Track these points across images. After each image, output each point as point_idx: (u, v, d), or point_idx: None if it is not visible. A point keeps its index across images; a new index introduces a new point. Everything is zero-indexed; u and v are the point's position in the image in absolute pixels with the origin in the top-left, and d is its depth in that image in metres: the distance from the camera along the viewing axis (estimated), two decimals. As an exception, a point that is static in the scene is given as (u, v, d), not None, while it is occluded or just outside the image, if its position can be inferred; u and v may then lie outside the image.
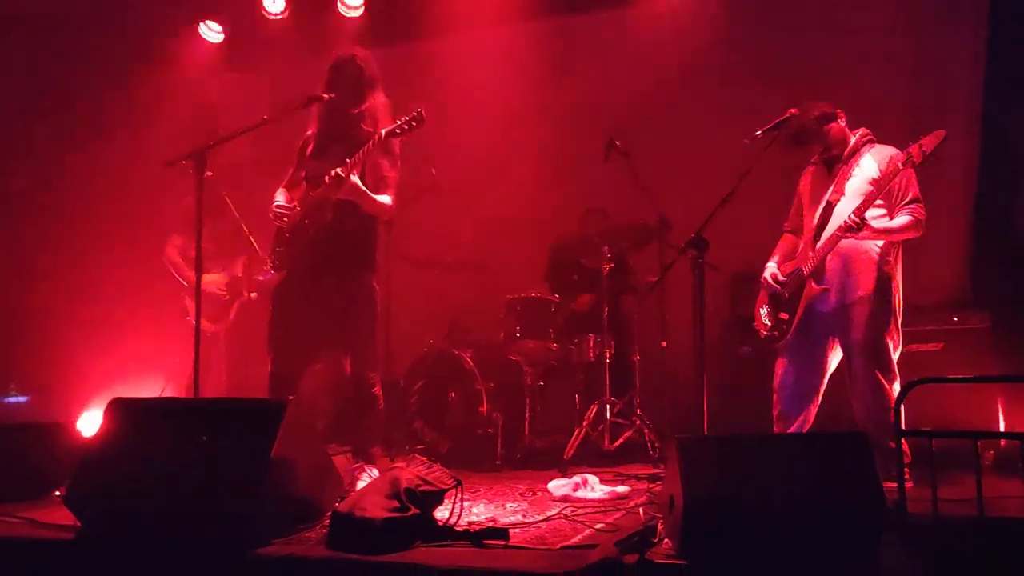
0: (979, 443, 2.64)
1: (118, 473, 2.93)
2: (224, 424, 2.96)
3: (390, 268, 5.06)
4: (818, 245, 3.83)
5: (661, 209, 4.75)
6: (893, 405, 3.23)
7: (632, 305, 5.49)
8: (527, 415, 5.07)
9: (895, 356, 3.72)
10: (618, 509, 3.35)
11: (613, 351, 5.00)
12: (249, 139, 4.07)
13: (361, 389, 4.05)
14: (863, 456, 2.56)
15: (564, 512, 3.27)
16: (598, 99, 6.25)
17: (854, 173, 3.82)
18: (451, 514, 2.92)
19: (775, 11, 5.91)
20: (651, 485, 3.90)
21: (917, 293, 3.88)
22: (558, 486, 3.74)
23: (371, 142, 3.90)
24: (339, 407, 4.95)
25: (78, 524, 2.93)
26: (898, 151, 3.66)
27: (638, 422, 4.88)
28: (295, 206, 4.08)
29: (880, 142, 3.89)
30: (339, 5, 6.48)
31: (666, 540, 2.64)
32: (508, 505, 3.52)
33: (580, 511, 3.31)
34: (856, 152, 3.87)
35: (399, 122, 3.91)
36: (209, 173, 4.04)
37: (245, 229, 5.55)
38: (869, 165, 3.80)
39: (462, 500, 2.98)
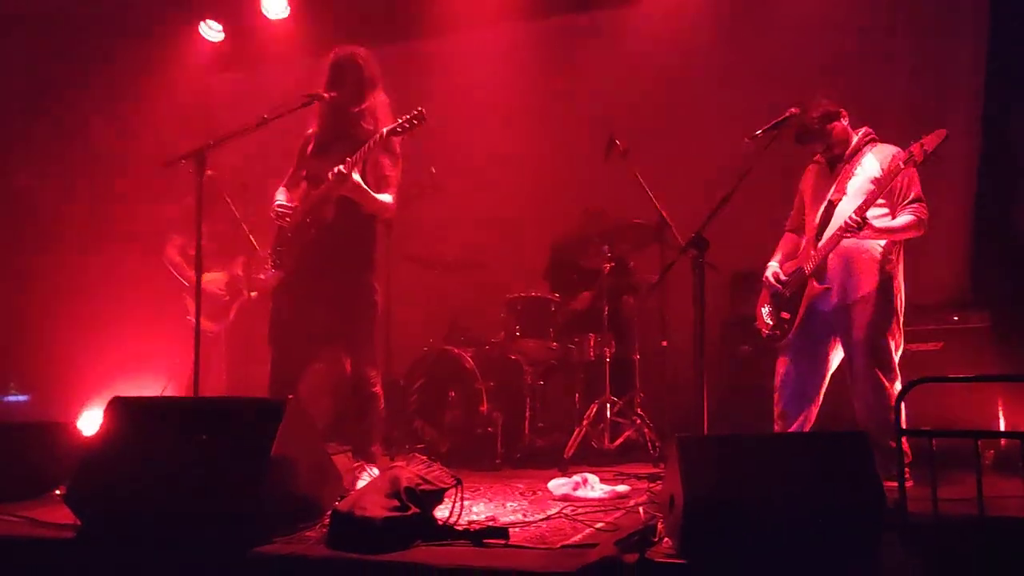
0: (979, 442, 2.64)
1: (118, 472, 2.93)
2: (224, 423, 2.96)
3: (390, 267, 5.06)
4: (820, 244, 3.83)
5: (661, 209, 4.75)
6: (894, 405, 3.23)
7: (632, 305, 5.49)
8: (527, 414, 5.07)
9: (896, 356, 3.72)
10: (618, 508, 3.35)
11: (613, 350, 5.01)
12: (249, 138, 4.07)
13: (361, 388, 4.05)
14: (863, 455, 2.56)
15: (564, 511, 3.27)
16: (599, 98, 6.26)
17: (856, 172, 3.82)
18: (451, 513, 2.92)
19: (776, 10, 5.91)
20: (651, 484, 3.90)
21: (917, 292, 3.88)
22: (558, 485, 3.74)
23: (372, 141, 3.90)
24: (339, 406, 4.96)
25: (78, 523, 2.92)
26: (901, 150, 3.66)
27: (638, 421, 4.88)
28: (296, 205, 4.08)
29: (883, 141, 3.88)
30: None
31: (666, 539, 2.64)
32: (508, 504, 3.52)
33: (580, 510, 3.31)
34: (859, 151, 3.86)
35: (400, 121, 3.91)
36: (209, 172, 4.05)
37: (245, 228, 5.55)
38: (871, 164, 3.79)
39: (462, 499, 2.98)
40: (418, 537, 2.69)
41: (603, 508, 3.38)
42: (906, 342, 3.84)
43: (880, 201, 3.67)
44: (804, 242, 3.99)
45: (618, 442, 4.85)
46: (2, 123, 6.51)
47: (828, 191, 3.89)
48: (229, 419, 2.98)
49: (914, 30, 5.60)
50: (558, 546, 2.69)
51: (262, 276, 5.70)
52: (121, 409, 3.09)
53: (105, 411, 3.10)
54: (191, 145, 3.91)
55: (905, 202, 3.71)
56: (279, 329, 4.06)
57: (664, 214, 4.75)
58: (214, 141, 3.93)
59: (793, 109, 3.76)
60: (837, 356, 3.87)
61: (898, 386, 3.65)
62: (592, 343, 5.11)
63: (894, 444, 2.97)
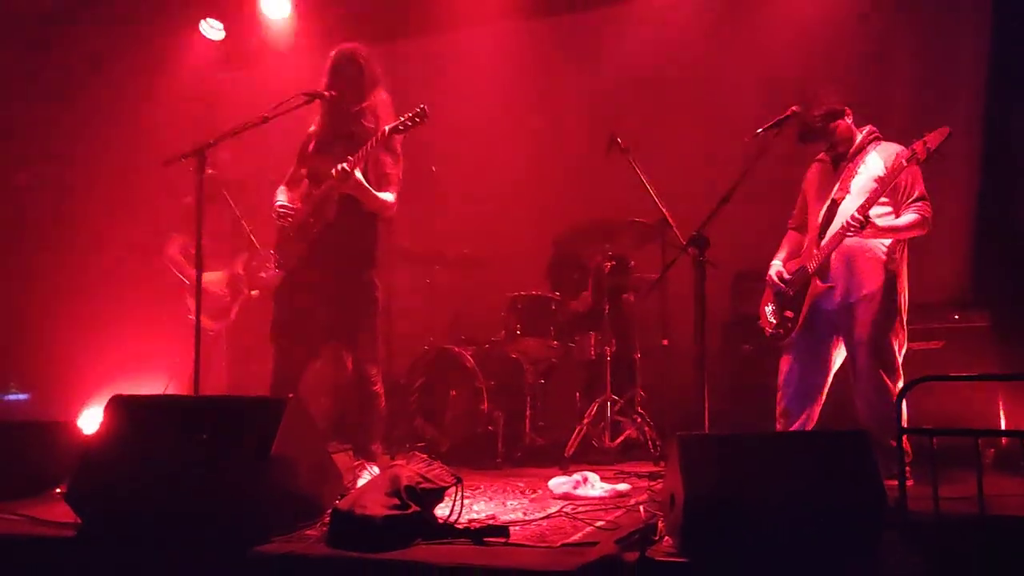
0: (980, 441, 2.64)
1: (119, 471, 2.93)
2: (225, 422, 2.95)
3: (391, 266, 5.06)
4: (823, 243, 3.82)
5: (663, 207, 4.75)
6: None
7: (633, 303, 5.49)
8: (528, 413, 5.07)
9: (900, 356, 3.70)
10: (619, 507, 3.35)
11: (614, 349, 5.00)
12: (250, 136, 4.07)
13: (362, 386, 4.05)
14: (864, 454, 2.55)
15: (564, 510, 3.27)
16: (600, 97, 6.26)
17: (860, 171, 3.80)
18: (451, 512, 2.92)
19: (778, 9, 5.90)
20: (652, 483, 3.89)
21: (919, 291, 3.87)
22: (559, 484, 3.74)
23: (374, 139, 3.89)
24: (340, 404, 4.95)
25: (79, 522, 2.92)
26: (904, 148, 3.65)
27: (639, 420, 4.88)
28: (298, 206, 4.08)
29: (887, 139, 3.87)
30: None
31: (667, 538, 2.64)
32: (508, 503, 3.52)
33: (581, 509, 3.30)
34: (862, 149, 3.85)
35: (402, 118, 3.90)
36: (210, 171, 4.04)
37: (246, 226, 5.55)
38: (875, 163, 3.78)
39: (462, 498, 2.98)
40: (418, 536, 2.69)
41: (604, 507, 3.37)
42: (907, 340, 3.83)
43: (883, 200, 3.66)
44: (807, 241, 3.98)
45: (619, 441, 4.85)
46: (2, 122, 6.51)
47: (832, 189, 3.88)
48: (230, 418, 2.98)
49: (916, 29, 5.59)
50: (558, 544, 2.69)
51: (263, 274, 5.70)
52: (121, 408, 3.09)
53: (105, 410, 3.10)
54: (191, 143, 3.91)
55: (909, 200, 3.70)
56: (280, 328, 4.06)
57: (665, 212, 4.75)
58: (214, 139, 3.93)
59: (794, 107, 3.75)
60: (840, 355, 3.86)
61: (901, 386, 3.64)
62: (593, 342, 5.11)
63: (895, 443, 2.97)
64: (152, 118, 6.40)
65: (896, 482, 2.75)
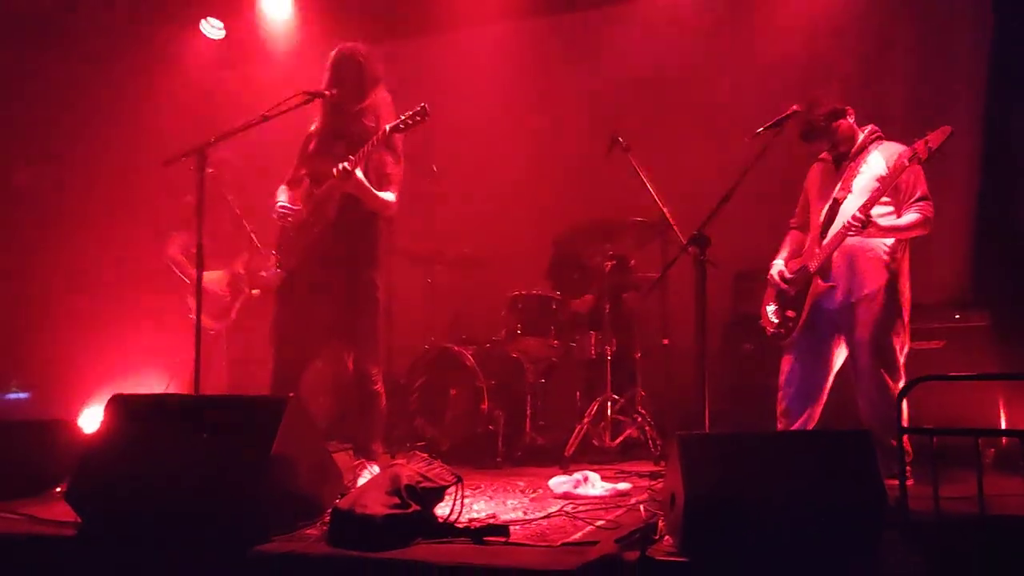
0: (980, 441, 2.64)
1: (119, 470, 2.93)
2: (225, 421, 2.95)
3: (391, 265, 5.05)
4: (824, 242, 3.81)
5: (663, 206, 4.75)
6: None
7: (634, 302, 5.48)
8: (528, 412, 5.07)
9: (902, 356, 3.69)
10: (619, 506, 3.35)
11: (614, 348, 5.00)
12: (250, 136, 4.07)
13: (363, 385, 4.05)
14: (865, 454, 2.55)
15: (565, 509, 3.27)
16: (600, 96, 6.25)
17: (862, 170, 3.80)
18: (452, 511, 2.92)
19: (779, 8, 5.90)
20: (652, 482, 3.90)
21: (919, 291, 3.87)
22: (559, 483, 3.74)
23: (374, 138, 3.89)
24: (340, 404, 4.96)
25: (79, 521, 2.92)
26: (907, 147, 3.64)
27: (639, 419, 4.88)
28: (299, 206, 4.08)
29: (889, 139, 3.87)
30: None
31: (667, 537, 2.64)
32: (509, 502, 3.52)
33: (581, 508, 3.31)
34: (864, 149, 3.85)
35: (402, 118, 3.90)
36: (210, 170, 4.03)
37: (247, 226, 5.55)
38: (877, 162, 3.77)
39: (463, 497, 2.98)
40: (419, 535, 2.69)
41: (604, 506, 3.37)
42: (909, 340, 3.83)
43: (885, 199, 3.66)
44: (809, 240, 3.97)
45: (619, 440, 4.85)
46: (2, 122, 6.51)
47: (833, 189, 3.87)
48: (230, 417, 2.98)
49: (916, 29, 5.59)
50: (559, 544, 2.69)
51: (264, 274, 5.70)
52: (122, 407, 3.09)
53: (106, 409, 3.10)
54: (192, 143, 3.90)
55: (911, 200, 3.69)
56: (281, 327, 4.06)
57: (666, 212, 4.75)
58: (215, 139, 3.92)
59: (795, 106, 3.75)
60: (842, 354, 3.86)
61: (903, 385, 3.63)
62: (593, 341, 5.11)
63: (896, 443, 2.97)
64: (152, 118, 6.39)
65: (897, 481, 2.75)
